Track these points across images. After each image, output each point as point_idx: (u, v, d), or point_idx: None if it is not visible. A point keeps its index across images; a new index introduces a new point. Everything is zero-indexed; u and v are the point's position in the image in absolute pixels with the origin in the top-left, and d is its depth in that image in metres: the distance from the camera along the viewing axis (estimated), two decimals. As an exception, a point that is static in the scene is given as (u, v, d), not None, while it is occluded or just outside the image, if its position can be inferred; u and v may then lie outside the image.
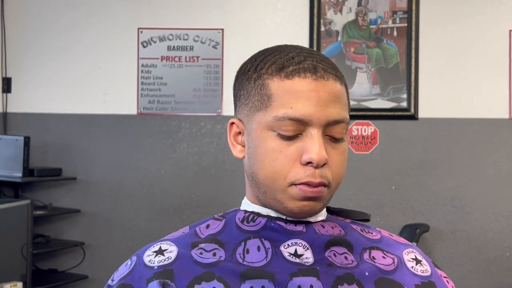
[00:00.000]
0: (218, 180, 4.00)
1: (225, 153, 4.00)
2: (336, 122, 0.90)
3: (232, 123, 0.98)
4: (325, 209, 1.00)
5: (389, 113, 3.93)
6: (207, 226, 0.98)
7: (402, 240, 1.03)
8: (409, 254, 0.99)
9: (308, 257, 0.92)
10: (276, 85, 0.91)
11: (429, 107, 3.94)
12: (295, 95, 0.89)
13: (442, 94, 3.94)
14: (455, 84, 3.94)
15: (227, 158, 3.99)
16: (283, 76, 0.90)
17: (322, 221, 0.98)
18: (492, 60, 3.92)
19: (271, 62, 0.93)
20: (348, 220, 1.03)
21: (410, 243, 1.03)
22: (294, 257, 0.92)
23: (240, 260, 0.91)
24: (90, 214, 4.12)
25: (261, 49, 0.99)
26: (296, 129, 0.90)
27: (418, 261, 0.98)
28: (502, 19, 3.93)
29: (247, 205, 0.99)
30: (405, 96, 3.93)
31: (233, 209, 1.01)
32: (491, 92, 3.91)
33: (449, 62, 3.95)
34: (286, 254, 0.92)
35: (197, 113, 4.06)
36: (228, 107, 4.03)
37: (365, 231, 1.01)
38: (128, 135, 4.11)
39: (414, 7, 3.92)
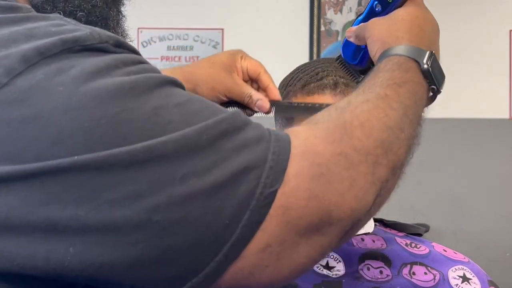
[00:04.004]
0: (218, 180, 3.99)
1: (225, 153, 3.99)
2: None
3: None
4: (372, 222, 0.98)
5: (389, 113, 3.93)
6: None
7: (456, 256, 0.97)
8: (457, 271, 0.94)
9: (339, 269, 0.92)
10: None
11: (429, 107, 3.93)
12: None
13: (442, 94, 3.91)
14: (455, 84, 3.94)
15: (227, 158, 3.98)
16: (305, 93, 0.91)
17: (365, 234, 0.96)
18: (492, 60, 3.92)
19: (298, 78, 0.93)
20: (400, 234, 1.00)
21: (465, 259, 0.97)
22: (323, 269, 0.92)
23: None
24: (90, 214, 4.11)
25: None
26: None
27: (465, 279, 0.93)
28: (502, 19, 3.93)
29: None
30: (405, 96, 3.92)
31: None
32: (491, 92, 3.91)
33: (448, 62, 3.92)
34: (315, 265, 0.92)
35: (197, 113, 4.06)
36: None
37: (412, 246, 0.97)
38: (128, 135, 4.10)
39: (414, 7, 3.92)
